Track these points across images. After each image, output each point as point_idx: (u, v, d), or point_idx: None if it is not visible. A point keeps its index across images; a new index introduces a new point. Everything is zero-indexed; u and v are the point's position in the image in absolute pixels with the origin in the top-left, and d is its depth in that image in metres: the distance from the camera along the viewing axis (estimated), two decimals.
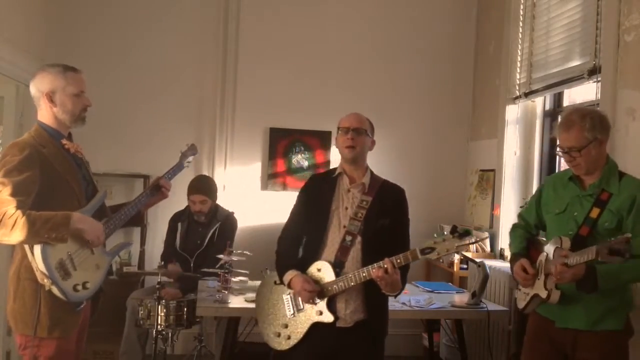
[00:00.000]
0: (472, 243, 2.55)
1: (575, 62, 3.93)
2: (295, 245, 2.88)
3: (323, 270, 2.74)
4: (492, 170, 4.92)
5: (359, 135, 2.80)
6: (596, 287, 2.54)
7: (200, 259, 4.37)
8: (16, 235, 2.33)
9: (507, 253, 4.38)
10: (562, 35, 4.11)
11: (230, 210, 4.66)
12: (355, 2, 5.40)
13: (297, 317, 2.80)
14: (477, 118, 5.43)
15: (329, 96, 5.28)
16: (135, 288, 4.69)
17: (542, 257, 2.76)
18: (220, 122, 5.24)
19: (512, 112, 4.72)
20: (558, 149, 2.76)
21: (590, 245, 2.51)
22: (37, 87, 2.58)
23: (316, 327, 2.75)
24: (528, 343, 2.92)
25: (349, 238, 2.74)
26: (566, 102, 4.33)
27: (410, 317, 3.88)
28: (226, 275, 3.65)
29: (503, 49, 4.87)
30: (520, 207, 4.15)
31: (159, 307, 3.90)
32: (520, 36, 4.66)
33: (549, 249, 2.72)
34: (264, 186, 5.31)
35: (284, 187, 5.30)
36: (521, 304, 2.90)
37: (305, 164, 5.33)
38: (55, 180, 2.51)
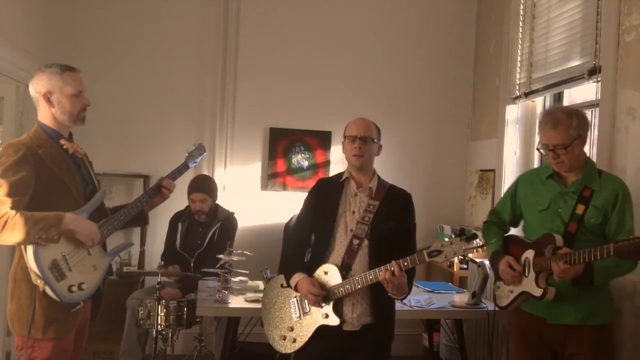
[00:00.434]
0: (480, 247, 2.55)
1: (575, 62, 3.93)
2: (302, 248, 2.89)
3: (330, 273, 2.75)
4: (492, 170, 4.92)
5: (366, 144, 2.80)
6: (593, 283, 2.61)
7: (201, 259, 4.37)
8: (8, 235, 2.33)
9: None
10: (562, 35, 4.10)
11: (231, 210, 4.66)
12: (356, 2, 5.40)
13: (303, 320, 2.81)
14: (477, 118, 5.43)
15: (329, 96, 5.28)
16: (135, 288, 4.69)
17: (528, 255, 2.77)
18: (220, 122, 5.24)
19: (512, 112, 4.72)
20: (541, 146, 2.80)
21: (579, 241, 2.61)
22: (35, 87, 2.57)
23: (322, 330, 2.76)
24: (518, 342, 2.92)
25: (356, 242, 2.75)
26: (566, 102, 4.33)
27: (410, 317, 3.89)
28: (226, 275, 3.65)
29: (503, 49, 4.87)
30: None
31: (159, 307, 3.90)
32: (520, 36, 4.66)
33: (538, 246, 2.73)
34: (264, 186, 5.31)
35: (284, 187, 5.30)
36: (504, 302, 2.91)
37: (306, 164, 5.33)
38: (51, 181, 2.50)
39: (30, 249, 2.37)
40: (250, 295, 3.77)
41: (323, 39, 5.34)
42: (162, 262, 4.29)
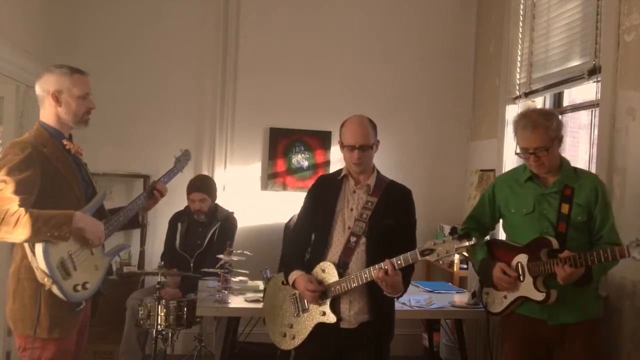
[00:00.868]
0: (472, 245, 2.54)
1: (575, 62, 3.93)
2: (302, 246, 2.89)
3: (327, 271, 2.75)
4: (492, 170, 4.91)
5: (365, 152, 2.78)
6: (592, 280, 2.65)
7: (200, 259, 4.37)
8: (19, 233, 2.33)
9: None
10: (562, 35, 4.10)
11: (230, 210, 4.66)
12: (356, 2, 5.40)
13: (302, 317, 2.82)
14: (477, 118, 5.43)
15: (329, 96, 5.28)
16: (135, 288, 4.69)
17: (520, 260, 2.76)
18: (220, 122, 5.24)
19: (512, 112, 4.70)
20: (520, 151, 2.79)
21: (570, 240, 2.66)
22: (43, 86, 2.59)
23: (320, 327, 2.76)
24: (515, 347, 2.88)
25: (353, 239, 2.75)
26: (566, 102, 4.34)
27: (410, 317, 3.89)
28: (226, 275, 3.65)
29: (503, 49, 4.87)
30: None
31: (159, 307, 3.89)
32: (520, 36, 4.66)
33: (531, 250, 2.73)
34: (264, 186, 5.31)
35: (284, 187, 5.30)
36: (497, 308, 2.89)
37: (306, 164, 5.33)
38: (56, 180, 2.51)
39: (39, 247, 2.37)
40: (250, 295, 3.77)
41: (323, 38, 5.34)
42: (162, 262, 4.29)
